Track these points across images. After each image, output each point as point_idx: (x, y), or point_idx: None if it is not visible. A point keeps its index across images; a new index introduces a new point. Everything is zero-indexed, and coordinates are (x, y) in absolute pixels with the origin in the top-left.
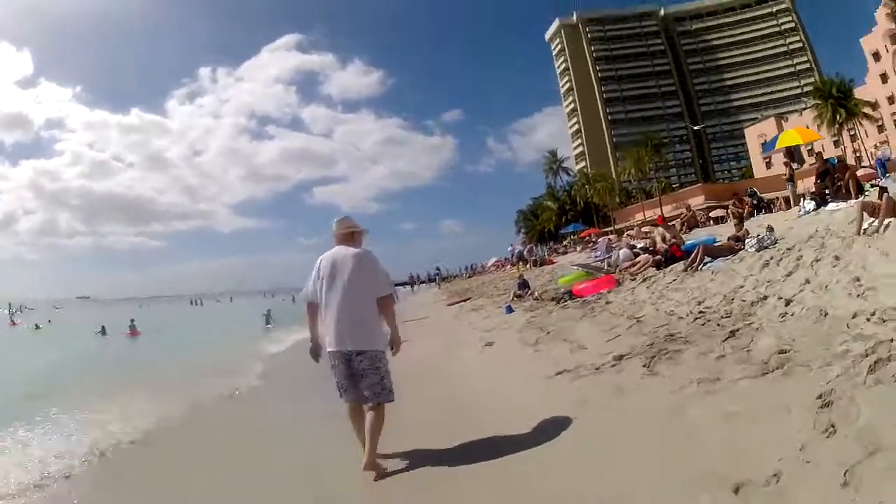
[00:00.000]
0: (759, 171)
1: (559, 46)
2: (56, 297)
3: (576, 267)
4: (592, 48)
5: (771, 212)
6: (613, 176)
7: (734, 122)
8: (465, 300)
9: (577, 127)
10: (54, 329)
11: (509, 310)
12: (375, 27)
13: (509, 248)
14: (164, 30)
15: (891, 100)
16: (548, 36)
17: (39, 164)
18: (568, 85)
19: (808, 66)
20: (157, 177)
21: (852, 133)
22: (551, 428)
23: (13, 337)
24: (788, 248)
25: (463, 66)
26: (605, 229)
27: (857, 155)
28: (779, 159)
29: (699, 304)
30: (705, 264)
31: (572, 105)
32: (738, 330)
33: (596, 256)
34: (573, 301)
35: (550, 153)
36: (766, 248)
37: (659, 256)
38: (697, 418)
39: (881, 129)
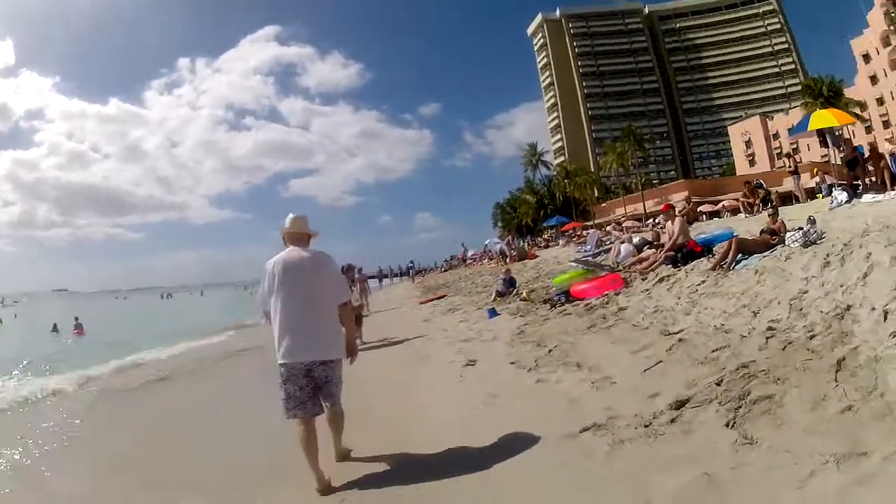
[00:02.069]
0: (742, 168)
1: (541, 41)
2: (33, 290)
3: (573, 263)
4: (575, 44)
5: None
6: (593, 170)
7: (716, 120)
8: (439, 297)
9: (556, 122)
10: (14, 326)
11: (493, 313)
12: (355, 20)
13: (486, 243)
14: (144, 20)
15: (880, 101)
16: (530, 31)
17: (18, 155)
18: (549, 80)
19: (792, 66)
20: (133, 168)
21: (838, 133)
22: None
23: None
24: (845, 244)
25: (442, 59)
26: (587, 223)
27: (827, 159)
28: (763, 157)
29: (755, 315)
30: (739, 262)
31: (553, 100)
32: (844, 359)
33: (585, 251)
34: (572, 304)
35: (530, 146)
36: (814, 242)
37: (671, 252)
38: None
39: (869, 129)
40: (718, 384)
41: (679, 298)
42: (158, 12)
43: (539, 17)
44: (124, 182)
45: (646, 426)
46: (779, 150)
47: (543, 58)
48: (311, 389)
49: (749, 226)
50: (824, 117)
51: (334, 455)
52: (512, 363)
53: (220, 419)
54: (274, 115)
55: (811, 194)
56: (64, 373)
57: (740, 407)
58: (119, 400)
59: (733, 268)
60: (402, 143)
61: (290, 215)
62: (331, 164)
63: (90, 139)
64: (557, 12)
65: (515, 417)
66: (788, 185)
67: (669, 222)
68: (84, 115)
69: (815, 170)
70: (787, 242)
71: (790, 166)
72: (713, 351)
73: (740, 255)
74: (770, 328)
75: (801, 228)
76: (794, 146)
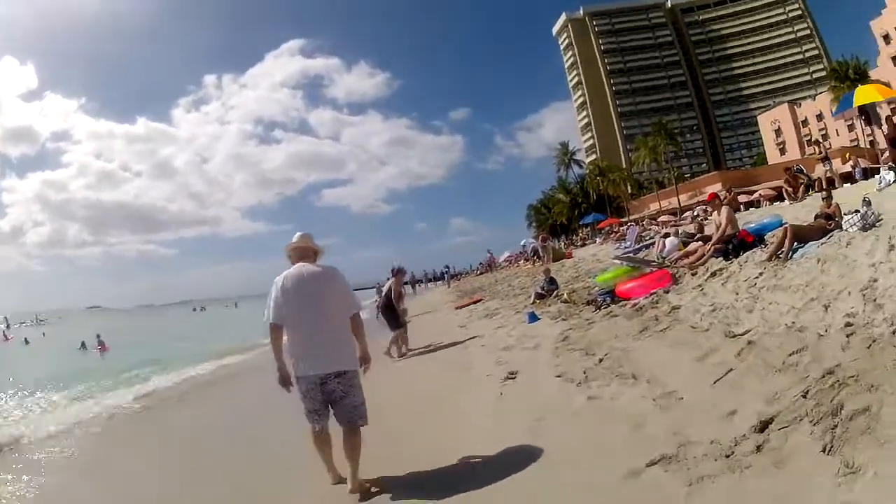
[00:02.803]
0: (772, 157)
1: (566, 41)
2: (66, 308)
3: (616, 261)
4: (600, 41)
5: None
6: (625, 167)
7: (745, 110)
8: (475, 302)
9: (586, 120)
10: (43, 344)
11: (533, 318)
12: (379, 30)
13: (522, 243)
14: (167, 39)
15: None
16: (555, 30)
17: (46, 176)
18: (576, 79)
19: (816, 52)
20: (164, 185)
21: (865, 117)
22: None
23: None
24: None
25: (469, 64)
26: (623, 220)
27: (871, 139)
28: (793, 145)
29: (826, 309)
30: (795, 251)
31: (581, 99)
32: None
33: (625, 247)
34: (618, 305)
35: (562, 145)
36: (873, 225)
37: (720, 244)
38: None
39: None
40: (805, 397)
41: (737, 294)
42: (180, 32)
43: (563, 17)
44: (156, 199)
45: (727, 456)
46: (808, 138)
47: (570, 57)
48: (325, 403)
49: (795, 212)
50: (868, 92)
51: (349, 489)
52: (558, 376)
53: (228, 440)
54: (304, 128)
55: (846, 179)
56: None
57: (836, 426)
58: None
59: (790, 257)
60: (434, 150)
61: (298, 233)
62: (363, 173)
63: (119, 158)
64: (581, 11)
65: (566, 448)
66: (819, 172)
67: (716, 212)
68: (112, 134)
69: (847, 154)
70: (844, 227)
71: (820, 152)
72: (790, 354)
73: (796, 243)
74: (848, 324)
75: (857, 211)
76: (823, 132)
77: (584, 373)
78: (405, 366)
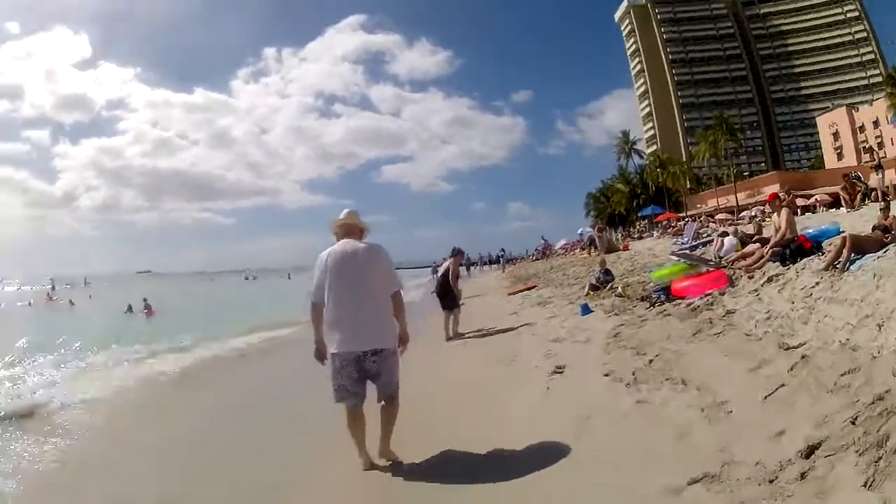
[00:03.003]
0: (830, 161)
1: (629, 27)
2: (117, 272)
3: (673, 257)
4: (662, 30)
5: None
6: (685, 160)
7: (804, 110)
8: (529, 288)
9: (648, 110)
10: (88, 306)
11: (586, 310)
12: (441, 7)
13: (579, 231)
14: (226, 10)
15: None
16: (617, 16)
17: (101, 143)
18: (639, 67)
19: (872, 56)
20: (222, 154)
21: None
22: None
23: (40, 313)
24: None
25: (532, 47)
26: (681, 214)
27: None
28: (850, 150)
29: (880, 328)
30: (852, 262)
31: (643, 87)
32: None
33: (682, 243)
34: (672, 304)
35: (623, 133)
36: None
37: (778, 247)
38: None
39: None
40: (854, 423)
41: (793, 303)
42: (240, 3)
43: (625, 3)
44: (213, 168)
45: (770, 482)
46: (865, 144)
47: (632, 44)
48: (362, 380)
49: (852, 221)
50: None
51: (378, 450)
52: (606, 375)
53: (259, 415)
54: (364, 103)
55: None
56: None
57: (879, 458)
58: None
59: (847, 268)
60: (495, 131)
61: (346, 209)
62: (423, 150)
63: (176, 127)
64: None
65: (609, 449)
66: (874, 181)
67: (775, 213)
68: (169, 104)
69: None
70: None
71: (873, 160)
72: (843, 375)
73: (853, 254)
74: None
75: None
76: (879, 139)
77: (634, 374)
78: (453, 349)
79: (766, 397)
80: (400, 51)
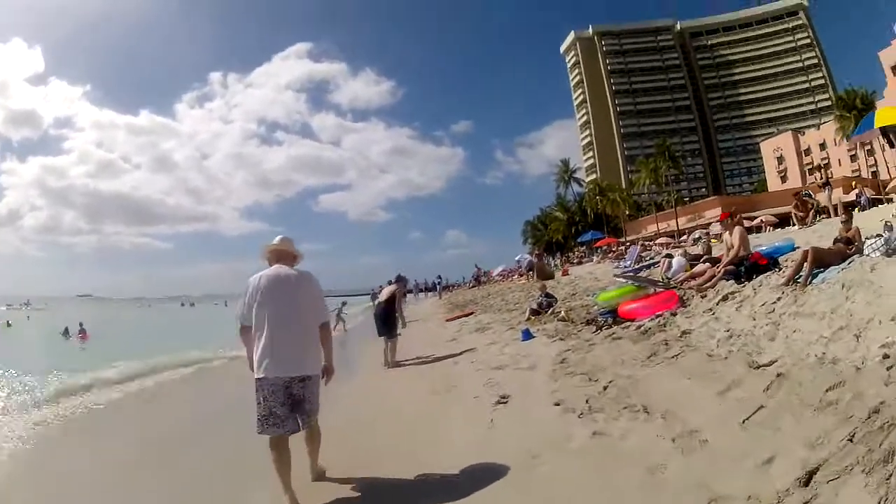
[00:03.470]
0: (773, 185)
1: (574, 59)
2: (58, 295)
3: (620, 279)
4: (607, 61)
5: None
6: (625, 187)
7: (748, 136)
8: (467, 315)
9: (588, 139)
10: (25, 328)
11: (527, 335)
12: (387, 37)
13: (517, 258)
14: (176, 34)
15: None
16: (563, 48)
17: (47, 162)
18: (581, 97)
19: (822, 81)
20: (163, 179)
21: (868, 147)
22: None
23: None
24: None
25: (474, 77)
26: (621, 240)
27: (874, 169)
28: (794, 173)
29: (858, 338)
30: (815, 275)
31: (585, 117)
32: None
33: (625, 266)
34: (621, 326)
35: (563, 162)
36: None
37: (731, 265)
38: None
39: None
40: (852, 440)
41: (755, 320)
42: (189, 28)
43: (572, 35)
44: (154, 192)
45: None
46: (810, 166)
47: (576, 75)
48: (290, 406)
49: (806, 237)
50: (889, 114)
51: (310, 474)
52: (556, 404)
53: (182, 446)
54: (306, 131)
55: (849, 208)
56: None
57: (890, 475)
58: None
59: (810, 282)
60: (434, 161)
61: (279, 235)
62: (362, 179)
63: (120, 149)
64: (590, 30)
65: (567, 494)
66: (823, 198)
67: (727, 232)
68: (114, 125)
69: (854, 182)
70: (865, 252)
71: (822, 178)
72: (827, 390)
73: (815, 268)
74: (885, 355)
75: (880, 235)
76: (826, 161)
77: (587, 402)
78: (390, 377)
79: (744, 421)
80: (344, 80)
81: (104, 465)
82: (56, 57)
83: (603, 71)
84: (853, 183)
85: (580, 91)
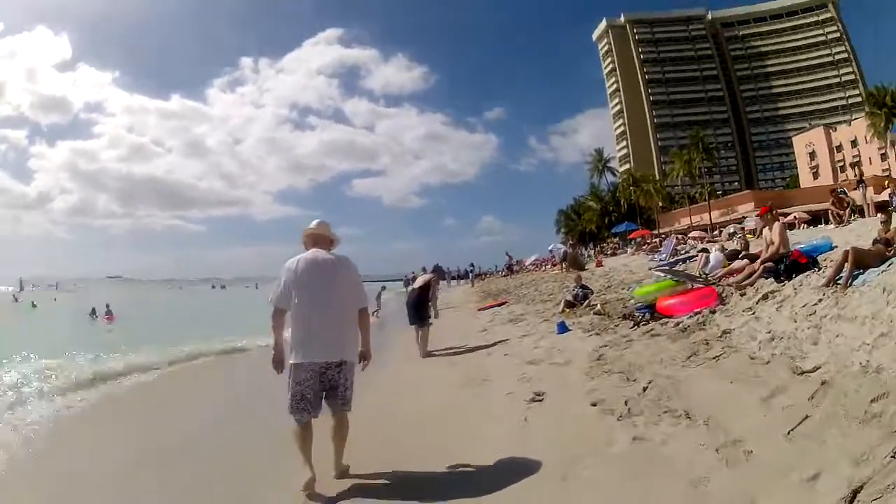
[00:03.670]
0: (805, 181)
1: (606, 47)
2: (87, 276)
3: (659, 273)
4: (640, 50)
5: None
6: (658, 178)
7: (780, 130)
8: (499, 304)
9: (622, 129)
10: (50, 309)
11: (563, 328)
12: (418, 23)
13: (550, 248)
14: (205, 18)
15: None
16: (595, 36)
17: (77, 145)
18: (614, 86)
19: (852, 77)
20: (195, 163)
21: None
22: None
23: (6, 311)
24: None
25: (508, 64)
26: (655, 232)
27: None
28: (826, 169)
29: None
30: (855, 277)
31: (618, 106)
32: None
33: (660, 260)
34: (659, 322)
35: (596, 151)
36: None
37: (770, 262)
38: None
39: None
40: (895, 456)
41: (796, 322)
42: (219, 12)
43: (604, 23)
44: (187, 176)
45: None
46: (842, 163)
47: (609, 63)
48: (322, 392)
49: (843, 236)
50: None
51: (333, 471)
52: (594, 404)
53: (195, 438)
54: (338, 116)
55: (881, 208)
56: None
57: None
58: None
59: (851, 284)
60: (468, 147)
61: (316, 220)
62: (396, 165)
63: (152, 133)
64: (622, 18)
65: (606, 500)
66: (855, 196)
67: (766, 228)
68: (145, 109)
69: (887, 182)
70: None
71: (856, 175)
72: (872, 402)
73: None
74: None
75: None
76: (857, 159)
77: (626, 404)
78: (422, 367)
79: (789, 432)
80: (376, 65)
81: (104, 466)
82: (83, 44)
83: (636, 59)
84: (885, 182)
85: (613, 80)
